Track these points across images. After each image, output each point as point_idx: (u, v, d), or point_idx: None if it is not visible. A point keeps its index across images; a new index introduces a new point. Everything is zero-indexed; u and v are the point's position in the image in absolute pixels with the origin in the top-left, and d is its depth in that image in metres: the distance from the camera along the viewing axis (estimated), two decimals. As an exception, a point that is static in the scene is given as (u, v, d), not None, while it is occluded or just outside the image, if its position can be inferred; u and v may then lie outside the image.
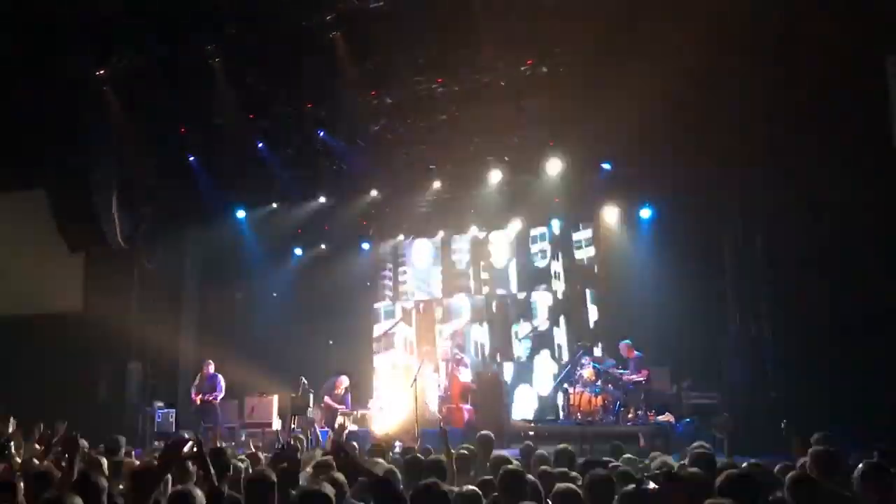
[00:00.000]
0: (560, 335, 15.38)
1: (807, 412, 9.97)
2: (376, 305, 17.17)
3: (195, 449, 4.06)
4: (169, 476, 4.46)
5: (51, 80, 12.54)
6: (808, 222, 11.51)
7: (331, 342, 15.99)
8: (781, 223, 11.99)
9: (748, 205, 12.55)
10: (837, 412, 9.87)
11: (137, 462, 6.80)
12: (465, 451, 6.62)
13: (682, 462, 6.09)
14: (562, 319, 15.46)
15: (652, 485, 3.48)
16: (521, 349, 15.65)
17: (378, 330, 17.04)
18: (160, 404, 14.48)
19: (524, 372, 15.48)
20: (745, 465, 5.61)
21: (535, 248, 15.99)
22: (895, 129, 10.70)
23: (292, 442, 6.28)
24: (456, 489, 4.49)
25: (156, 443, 12.72)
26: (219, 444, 8.73)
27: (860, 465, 4.75)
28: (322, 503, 3.82)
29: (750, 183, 12.30)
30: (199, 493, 4.04)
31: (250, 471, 5.46)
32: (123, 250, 14.24)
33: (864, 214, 10.93)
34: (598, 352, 14.29)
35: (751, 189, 12.35)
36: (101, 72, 12.46)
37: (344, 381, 14.28)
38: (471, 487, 4.52)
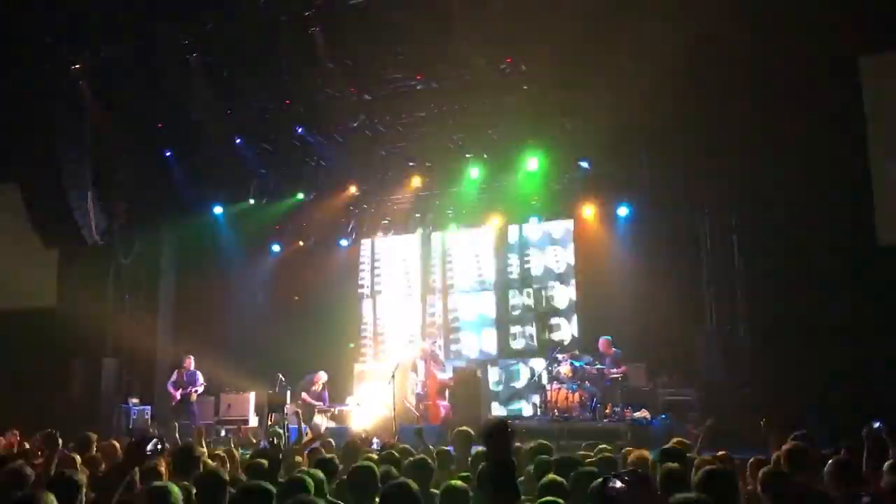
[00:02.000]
0: (539, 331, 15.44)
1: (781, 409, 10.10)
2: (360, 301, 17.17)
3: (160, 447, 4.03)
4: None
5: (26, 73, 12.40)
6: (784, 222, 11.63)
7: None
8: (757, 222, 12.12)
9: (724, 204, 12.65)
10: (811, 409, 10.01)
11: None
12: (445, 448, 6.66)
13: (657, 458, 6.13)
14: (541, 316, 15.52)
15: (619, 483, 3.48)
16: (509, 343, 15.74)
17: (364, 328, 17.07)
18: (135, 401, 14.38)
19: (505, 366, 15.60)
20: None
21: (513, 245, 16.02)
22: (869, 130, 10.89)
23: (274, 441, 6.25)
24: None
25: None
26: (195, 441, 8.68)
27: (830, 461, 4.83)
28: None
29: (726, 182, 12.40)
30: (175, 489, 4.03)
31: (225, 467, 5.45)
32: (99, 246, 14.10)
33: (839, 214, 11.08)
34: (575, 349, 14.34)
35: (727, 188, 12.45)
36: (77, 66, 12.34)
37: (322, 377, 14.27)
38: (458, 482, 4.52)
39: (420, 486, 4.27)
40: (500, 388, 15.36)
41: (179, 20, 11.64)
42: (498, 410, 14.85)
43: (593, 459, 5.92)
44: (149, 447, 3.91)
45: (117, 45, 12.01)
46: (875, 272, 10.66)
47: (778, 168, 11.42)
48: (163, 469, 5.32)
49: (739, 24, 10.50)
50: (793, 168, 11.30)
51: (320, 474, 4.69)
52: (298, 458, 6.67)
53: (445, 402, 13.35)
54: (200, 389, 13.76)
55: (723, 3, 10.16)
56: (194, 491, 4.36)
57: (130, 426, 13.67)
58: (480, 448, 5.04)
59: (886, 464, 4.98)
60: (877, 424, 6.53)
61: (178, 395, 13.59)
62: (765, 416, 7.48)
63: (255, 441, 11.35)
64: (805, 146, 11.08)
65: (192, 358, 13.84)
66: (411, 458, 5.68)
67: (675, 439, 6.90)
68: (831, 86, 10.92)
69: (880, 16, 10.19)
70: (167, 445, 4.73)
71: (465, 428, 7.62)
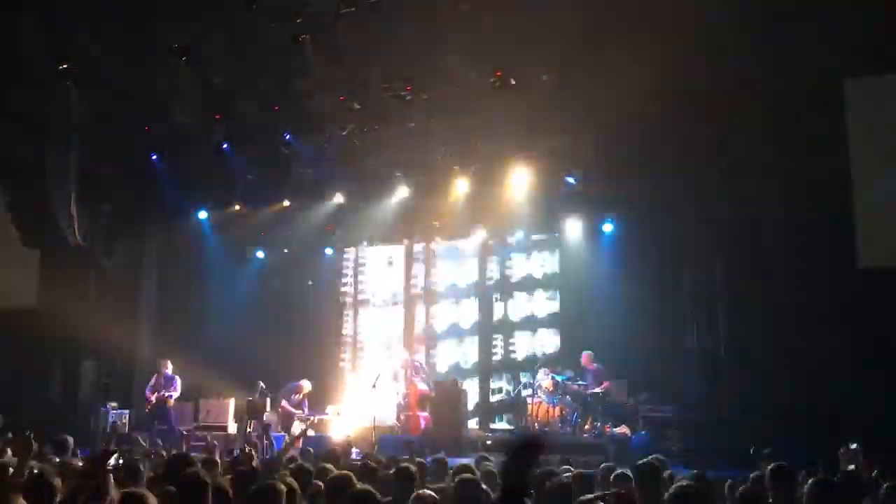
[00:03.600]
0: (521, 345, 15.44)
1: (759, 428, 10.16)
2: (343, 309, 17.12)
3: (121, 461, 4.01)
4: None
5: (11, 72, 12.33)
6: (766, 243, 11.72)
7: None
8: (740, 241, 12.19)
9: (708, 222, 12.72)
10: (789, 428, 10.06)
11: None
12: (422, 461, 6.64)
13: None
14: (523, 329, 15.53)
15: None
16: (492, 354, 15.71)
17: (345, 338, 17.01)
18: (114, 404, 14.24)
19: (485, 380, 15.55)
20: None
21: (498, 259, 16.03)
22: (852, 153, 11.00)
23: (247, 449, 6.18)
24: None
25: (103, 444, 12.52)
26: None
27: (810, 481, 4.85)
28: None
29: (710, 201, 12.48)
30: (151, 497, 3.98)
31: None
32: (81, 247, 14.00)
33: (821, 236, 11.17)
34: (556, 363, 14.36)
35: (711, 207, 12.53)
36: (64, 66, 12.27)
37: (305, 385, 14.17)
38: (428, 492, 4.52)
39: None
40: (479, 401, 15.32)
41: (169, 23, 11.61)
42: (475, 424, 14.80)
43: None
44: (111, 461, 3.88)
45: (106, 46, 11.95)
46: (855, 294, 10.76)
47: (761, 189, 11.51)
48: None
49: (726, 44, 10.59)
50: (776, 190, 11.40)
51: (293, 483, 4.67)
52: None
53: (426, 413, 13.32)
54: (176, 394, 13.61)
55: (710, 23, 10.24)
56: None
57: (108, 430, 13.55)
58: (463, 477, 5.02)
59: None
60: (853, 446, 6.60)
61: (153, 398, 13.46)
62: (740, 434, 7.55)
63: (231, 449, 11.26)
64: (788, 168, 11.18)
65: (169, 362, 13.72)
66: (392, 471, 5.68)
67: (651, 457, 6.94)
68: (816, 107, 11.03)
69: (866, 39, 10.31)
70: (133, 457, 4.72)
71: (441, 456, 7.61)
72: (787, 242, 11.38)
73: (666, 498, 4.32)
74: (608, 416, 12.71)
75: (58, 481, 4.25)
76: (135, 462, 5.59)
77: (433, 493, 4.46)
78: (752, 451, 7.61)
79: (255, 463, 5.45)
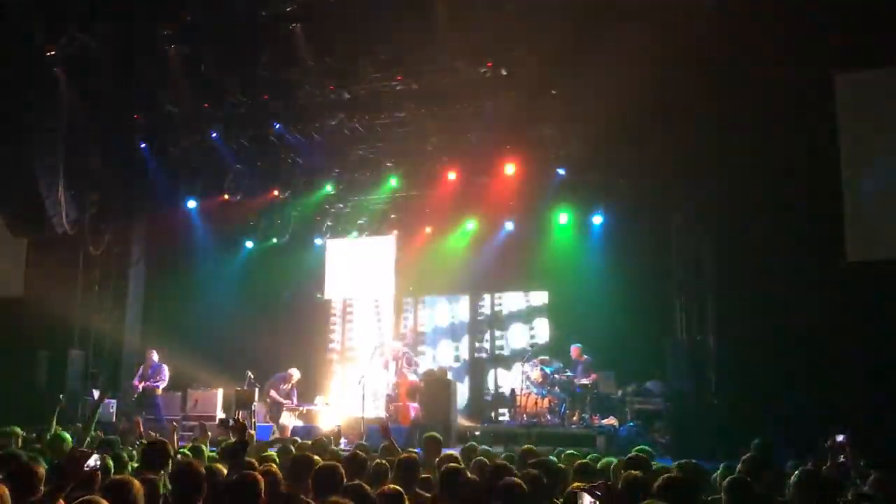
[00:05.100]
0: (511, 336, 15.45)
1: (747, 420, 10.21)
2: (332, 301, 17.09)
3: (99, 463, 3.99)
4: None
5: (-1, 58, 12.23)
6: (755, 236, 11.74)
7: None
8: (728, 235, 12.21)
9: (697, 215, 12.74)
10: (776, 420, 10.11)
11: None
12: (414, 452, 6.64)
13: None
14: (514, 321, 15.54)
15: (588, 499, 3.52)
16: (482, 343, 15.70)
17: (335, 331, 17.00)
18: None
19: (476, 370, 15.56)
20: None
21: (487, 250, 16.00)
22: (842, 147, 11.03)
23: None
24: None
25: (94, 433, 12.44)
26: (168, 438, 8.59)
27: (796, 472, 4.87)
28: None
29: (700, 194, 12.49)
30: (137, 483, 3.96)
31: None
32: (68, 236, 13.90)
33: (810, 229, 11.21)
34: (546, 355, 14.37)
35: (700, 200, 12.54)
36: (52, 52, 12.17)
37: (294, 374, 14.15)
38: (393, 486, 4.52)
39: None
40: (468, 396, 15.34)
41: (159, 11, 11.53)
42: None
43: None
44: (89, 462, 3.85)
45: (95, 32, 11.86)
46: (843, 287, 10.80)
47: (750, 182, 11.52)
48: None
49: (717, 39, 10.59)
50: (765, 184, 11.42)
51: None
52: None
53: (415, 404, 13.33)
54: (163, 384, 13.56)
55: (702, 18, 10.24)
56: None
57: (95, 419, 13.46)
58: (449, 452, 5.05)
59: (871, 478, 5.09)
60: (840, 438, 6.62)
61: (140, 386, 13.41)
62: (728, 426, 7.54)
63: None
64: (778, 161, 11.21)
65: (154, 351, 13.67)
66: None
67: (638, 447, 6.99)
68: (806, 102, 11.06)
69: (858, 34, 10.32)
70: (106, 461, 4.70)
71: (433, 433, 7.57)
72: (776, 235, 11.41)
73: (654, 488, 4.34)
74: (596, 407, 12.74)
75: (41, 470, 4.22)
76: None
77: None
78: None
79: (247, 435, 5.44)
